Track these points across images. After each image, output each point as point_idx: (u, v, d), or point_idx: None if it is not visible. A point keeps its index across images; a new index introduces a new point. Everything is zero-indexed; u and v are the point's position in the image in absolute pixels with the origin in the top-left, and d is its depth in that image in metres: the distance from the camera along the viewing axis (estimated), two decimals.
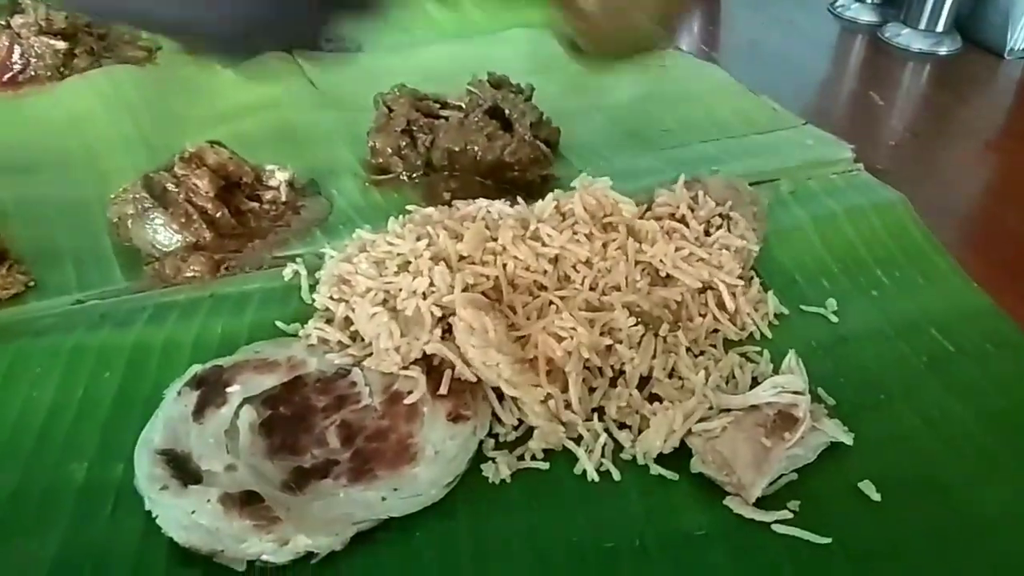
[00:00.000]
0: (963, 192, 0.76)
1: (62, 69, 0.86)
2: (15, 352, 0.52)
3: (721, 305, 0.55)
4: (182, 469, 0.44)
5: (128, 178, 0.64)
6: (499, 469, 0.46)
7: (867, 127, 0.86)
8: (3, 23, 0.87)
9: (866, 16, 1.11)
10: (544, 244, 0.54)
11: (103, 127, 0.77)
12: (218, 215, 0.62)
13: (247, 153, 0.68)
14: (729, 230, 0.58)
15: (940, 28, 1.01)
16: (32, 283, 0.59)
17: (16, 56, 0.86)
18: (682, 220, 0.58)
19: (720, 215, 0.58)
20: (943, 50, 1.01)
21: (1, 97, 0.83)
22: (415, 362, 0.49)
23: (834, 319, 0.57)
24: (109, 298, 0.58)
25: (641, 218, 0.57)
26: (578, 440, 0.47)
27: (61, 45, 0.86)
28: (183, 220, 0.60)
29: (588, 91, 0.88)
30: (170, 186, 0.61)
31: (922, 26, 1.02)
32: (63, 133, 0.77)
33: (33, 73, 0.86)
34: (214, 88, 0.85)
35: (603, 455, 0.46)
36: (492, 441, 0.48)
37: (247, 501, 0.41)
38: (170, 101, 0.82)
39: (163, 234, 0.60)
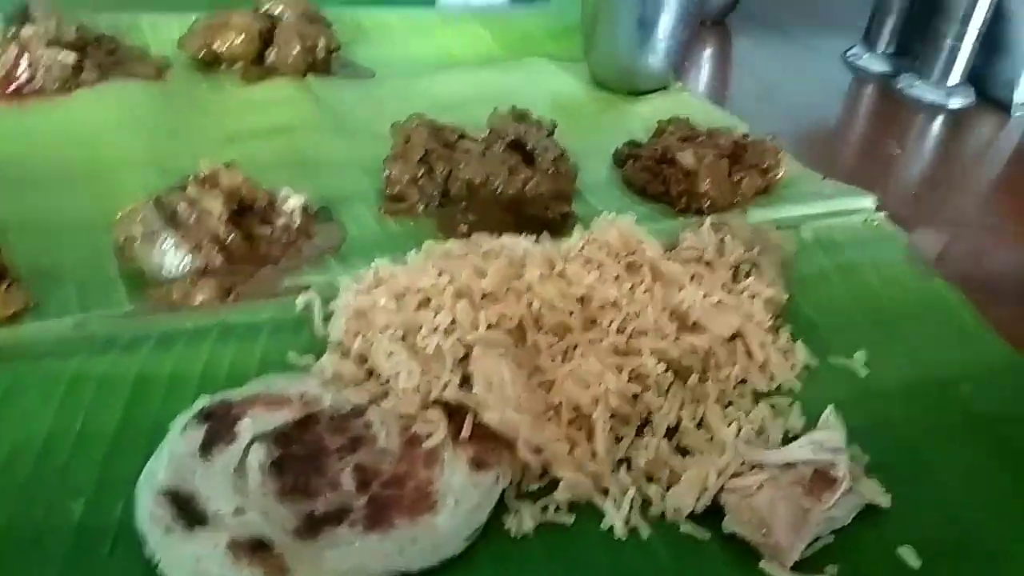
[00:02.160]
0: (985, 244, 0.75)
1: (69, 83, 0.84)
2: (12, 377, 0.49)
3: (750, 354, 0.53)
4: (187, 510, 0.41)
5: (135, 196, 0.62)
6: (522, 521, 0.43)
7: (883, 176, 0.85)
8: (12, 33, 0.85)
9: (878, 66, 1.11)
10: (571, 284, 0.52)
11: (110, 143, 0.75)
12: (230, 240, 0.59)
13: (257, 176, 0.66)
14: (757, 277, 0.56)
15: (953, 81, 1.01)
16: (32, 303, 0.56)
17: (23, 67, 0.84)
18: (709, 265, 0.57)
19: (748, 261, 0.57)
20: (956, 103, 1.01)
21: (5, 109, 0.81)
22: (435, 403, 0.47)
23: (863, 372, 0.55)
24: (113, 322, 0.55)
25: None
26: (605, 493, 0.45)
27: (70, 58, 0.84)
28: (193, 244, 0.58)
29: (604, 129, 0.87)
30: (181, 208, 0.58)
31: (935, 79, 1.02)
32: (69, 148, 0.74)
33: (40, 85, 0.84)
34: (226, 109, 0.84)
35: (631, 510, 0.44)
36: (515, 491, 0.45)
37: (257, 548, 0.39)
38: (180, 119, 0.81)
39: (172, 257, 0.57)
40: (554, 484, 0.45)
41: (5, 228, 0.62)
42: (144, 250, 0.58)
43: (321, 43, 0.92)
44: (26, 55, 0.84)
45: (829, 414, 0.47)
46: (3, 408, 0.48)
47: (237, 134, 0.80)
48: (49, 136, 0.76)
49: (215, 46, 0.91)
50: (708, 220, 0.60)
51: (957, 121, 1.00)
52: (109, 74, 0.87)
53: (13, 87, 0.83)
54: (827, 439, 0.45)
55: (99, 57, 0.88)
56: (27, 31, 0.84)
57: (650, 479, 0.46)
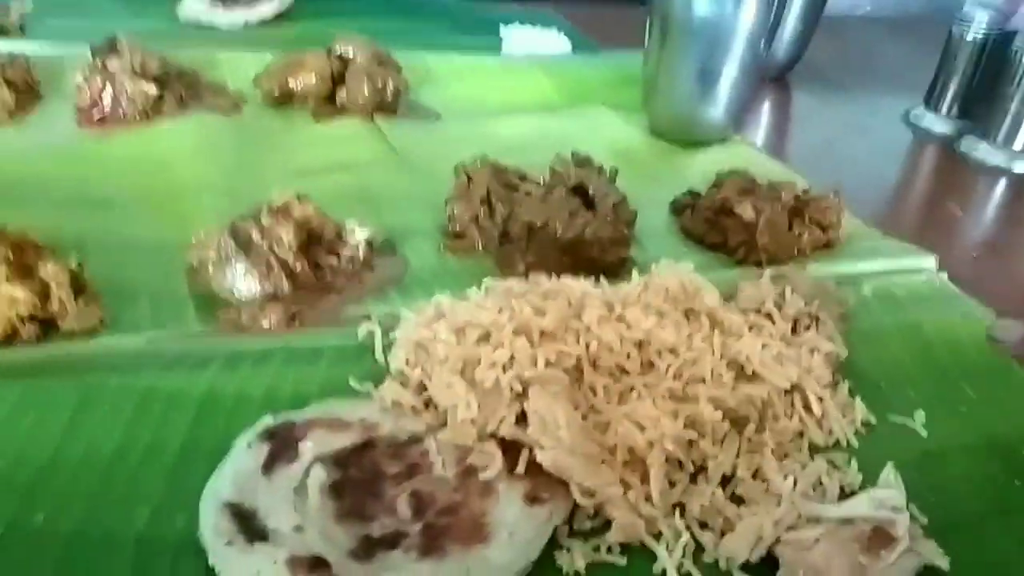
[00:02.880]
0: None
1: (150, 113, 0.88)
2: (86, 389, 0.51)
3: (808, 408, 0.53)
4: (248, 525, 0.42)
5: (208, 222, 0.65)
6: (574, 559, 0.43)
7: (944, 238, 0.84)
8: (99, 63, 0.90)
9: (940, 127, 1.10)
10: (630, 327, 0.52)
11: (186, 170, 0.78)
12: (298, 268, 0.62)
13: (324, 209, 0.68)
14: (817, 331, 0.56)
15: (1018, 145, 1.00)
16: (107, 319, 0.58)
17: (107, 97, 0.88)
18: (768, 316, 0.57)
19: (808, 315, 0.57)
20: (1020, 167, 1.00)
21: (90, 135, 0.85)
22: (492, 436, 0.48)
23: (923, 432, 0.55)
24: (183, 341, 0.57)
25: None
26: (658, 537, 0.45)
27: (152, 90, 0.89)
28: (264, 270, 0.60)
29: (662, 179, 0.88)
30: (255, 235, 0.61)
31: (999, 142, 1.01)
32: (147, 173, 0.78)
33: (123, 114, 0.88)
34: (297, 144, 0.87)
35: (684, 555, 0.44)
36: (567, 528, 0.45)
37: (314, 567, 0.40)
38: (253, 152, 0.84)
39: (243, 282, 0.60)
40: (607, 523, 0.45)
41: (85, 246, 0.64)
42: (217, 274, 0.60)
43: (390, 85, 0.96)
44: (111, 86, 0.88)
45: (889, 472, 0.46)
46: (76, 419, 0.49)
47: (306, 168, 0.82)
48: (129, 161, 0.80)
49: (289, 84, 0.95)
50: (767, 272, 0.60)
51: (1021, 185, 0.99)
52: (188, 106, 0.91)
53: (98, 115, 0.88)
54: (887, 497, 0.44)
55: (179, 90, 0.92)
56: (113, 63, 0.89)
57: (703, 526, 0.46)
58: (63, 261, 0.59)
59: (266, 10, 1.22)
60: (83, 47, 0.93)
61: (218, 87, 0.98)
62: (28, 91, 0.90)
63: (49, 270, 0.57)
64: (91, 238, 0.67)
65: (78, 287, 0.58)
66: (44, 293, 0.57)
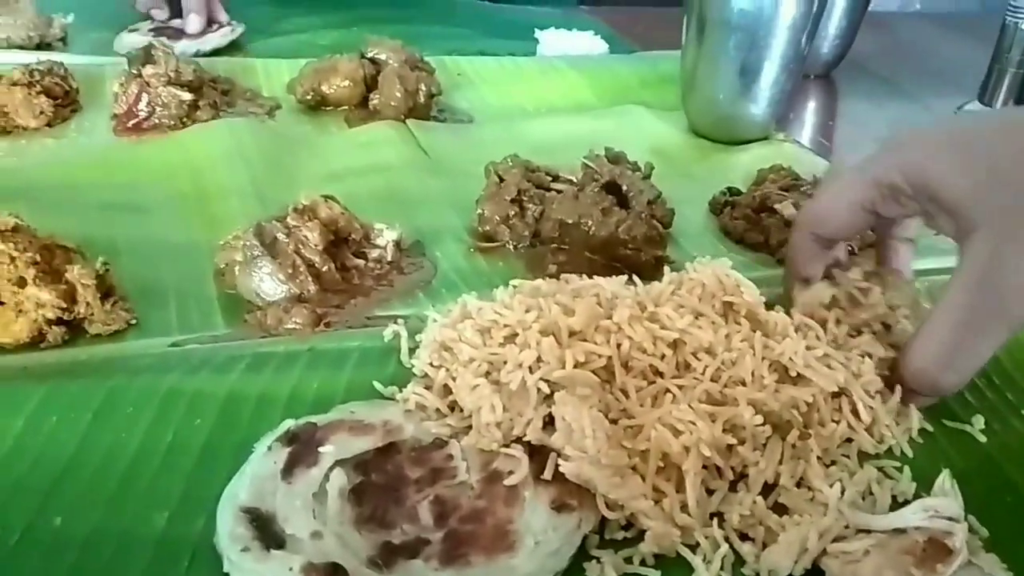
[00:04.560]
0: None
1: (185, 119, 0.89)
2: (109, 391, 0.50)
3: (857, 413, 0.50)
4: (265, 531, 0.41)
5: (238, 225, 0.64)
6: (604, 571, 0.41)
7: None
8: (135, 72, 0.90)
9: None
10: (663, 327, 0.50)
11: (218, 174, 0.78)
12: (324, 269, 0.60)
13: (354, 211, 0.67)
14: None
15: None
16: (134, 321, 0.58)
17: (143, 104, 0.89)
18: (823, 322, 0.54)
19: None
20: None
21: (125, 141, 0.86)
22: (518, 440, 0.46)
23: (982, 438, 0.51)
24: (208, 343, 0.56)
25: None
26: (694, 548, 0.42)
27: (187, 96, 0.89)
28: (290, 271, 0.59)
29: (701, 177, 0.86)
30: (280, 236, 0.60)
31: None
32: (179, 177, 0.78)
33: (157, 121, 0.88)
34: (329, 149, 0.86)
35: (722, 568, 0.41)
36: (597, 538, 0.43)
37: (331, 574, 0.38)
38: (285, 156, 0.83)
39: (269, 284, 0.59)
40: (641, 533, 0.43)
41: (116, 250, 0.64)
42: (243, 276, 0.59)
43: (422, 88, 0.95)
44: (146, 93, 0.89)
45: (945, 479, 0.43)
46: (97, 421, 0.48)
47: (337, 172, 0.82)
48: (162, 166, 0.80)
49: (322, 89, 0.95)
50: (822, 285, 0.56)
51: None
52: (222, 113, 0.91)
53: (133, 122, 0.88)
54: (943, 506, 0.41)
55: (214, 96, 0.92)
56: (148, 71, 0.89)
57: (744, 536, 0.43)
58: (90, 264, 0.58)
59: (216, 40, 1.10)
60: (121, 57, 0.94)
61: (253, 93, 0.98)
62: (67, 101, 0.91)
63: (75, 273, 0.56)
64: (122, 242, 0.67)
65: (106, 290, 0.58)
66: (72, 296, 0.56)
